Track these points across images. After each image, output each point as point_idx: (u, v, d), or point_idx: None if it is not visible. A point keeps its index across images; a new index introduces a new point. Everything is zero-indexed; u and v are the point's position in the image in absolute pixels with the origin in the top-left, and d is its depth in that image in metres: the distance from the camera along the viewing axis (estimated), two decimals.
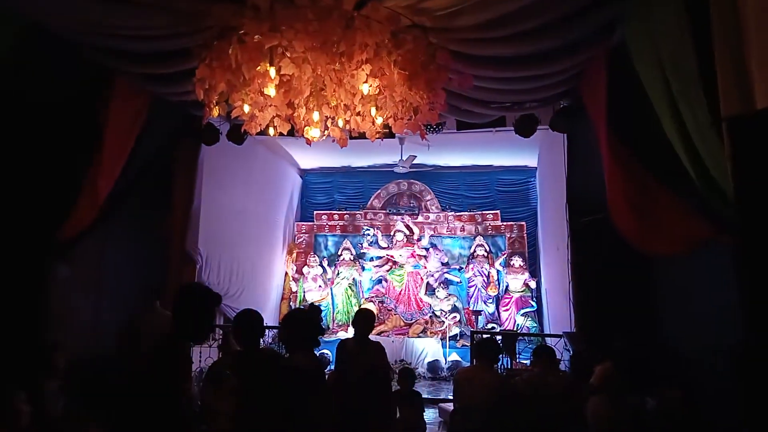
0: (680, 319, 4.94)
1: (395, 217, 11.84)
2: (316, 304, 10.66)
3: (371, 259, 11.70)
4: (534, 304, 10.57)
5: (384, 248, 11.50)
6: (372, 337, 4.61)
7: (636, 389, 4.32)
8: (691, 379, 4.39)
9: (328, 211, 12.32)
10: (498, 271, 11.03)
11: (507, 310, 10.70)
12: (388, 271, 11.41)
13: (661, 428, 4.01)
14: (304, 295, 11.27)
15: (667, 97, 3.64)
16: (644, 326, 5.21)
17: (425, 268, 11.18)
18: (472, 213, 11.76)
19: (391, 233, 11.59)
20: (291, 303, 11.48)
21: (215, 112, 4.76)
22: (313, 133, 4.98)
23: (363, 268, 11.57)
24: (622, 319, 5.24)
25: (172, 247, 6.98)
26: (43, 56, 4.72)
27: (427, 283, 11.09)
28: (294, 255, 11.81)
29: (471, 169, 12.03)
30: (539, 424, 4.34)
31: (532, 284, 10.64)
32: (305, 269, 11.38)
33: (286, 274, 11.66)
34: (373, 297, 11.27)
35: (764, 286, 2.75)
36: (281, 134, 5.13)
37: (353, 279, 11.46)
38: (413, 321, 10.72)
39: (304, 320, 3.37)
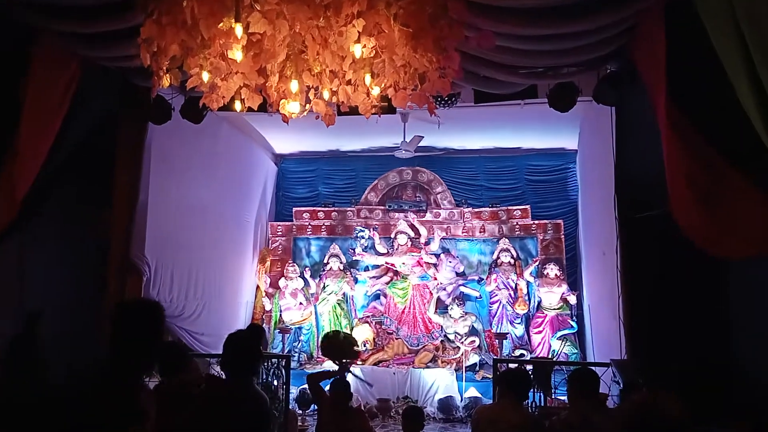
0: (757, 339, 4.95)
1: (397, 214, 11.85)
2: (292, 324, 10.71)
3: (366, 269, 11.70)
4: (574, 324, 10.58)
5: (382, 254, 11.50)
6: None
7: (702, 421, 4.34)
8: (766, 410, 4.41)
9: (311, 208, 12.33)
10: (528, 282, 11.05)
11: (540, 332, 10.72)
12: (387, 283, 11.42)
13: None
14: (280, 315, 11.28)
15: (744, 61, 3.64)
16: (713, 349, 5.22)
17: (435, 279, 11.19)
18: (494, 209, 11.76)
19: (392, 235, 11.60)
20: (264, 325, 11.48)
21: (166, 81, 4.74)
22: (291, 107, 4.98)
23: (356, 280, 11.58)
24: (686, 342, 5.25)
25: (112, 254, 6.96)
26: None
27: (438, 298, 11.09)
28: (267, 264, 11.82)
29: (493, 152, 12.03)
30: None
31: (572, 299, 10.66)
32: (282, 282, 11.38)
33: (258, 288, 11.68)
34: (368, 317, 11.28)
35: None
36: (250, 110, 5.12)
37: (343, 294, 11.46)
38: (420, 347, 10.72)
39: (240, 344, 3.50)
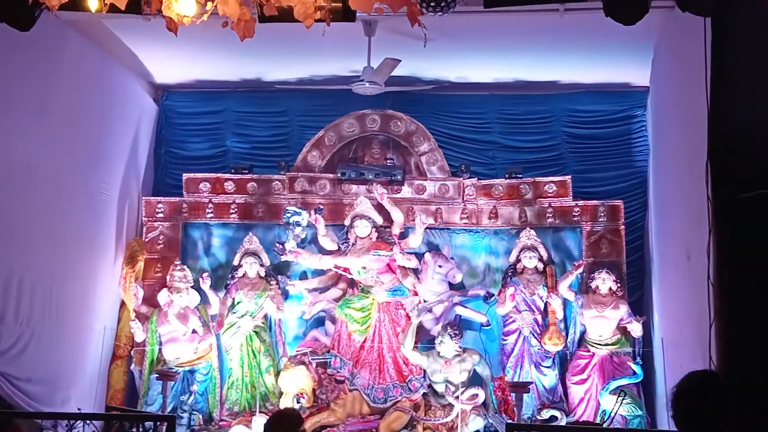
0: None
1: (355, 187, 11.90)
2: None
3: (303, 276, 11.74)
4: (638, 369, 10.69)
5: (330, 253, 11.54)
6: None
7: None
8: None
9: (214, 175, 12.30)
10: (566, 301, 11.17)
11: (582, 381, 10.84)
12: (338, 300, 11.46)
13: None
14: (160, 350, 11.22)
15: None
16: None
17: (415, 294, 11.27)
18: (514, 180, 11.84)
19: (346, 222, 11.64)
20: (133, 366, 11.41)
21: None
22: (181, 7, 4.95)
23: (286, 295, 11.62)
24: None
25: None
26: None
27: (420, 325, 11.14)
28: (140, 266, 11.76)
29: (513, 89, 12.14)
30: None
31: (636, 330, 10.77)
32: (163, 296, 11.33)
33: (123, 305, 11.61)
34: (305, 354, 11.26)
35: None
36: (114, 10, 5.09)
37: (265, 317, 11.50)
38: (389, 404, 10.79)
39: None
